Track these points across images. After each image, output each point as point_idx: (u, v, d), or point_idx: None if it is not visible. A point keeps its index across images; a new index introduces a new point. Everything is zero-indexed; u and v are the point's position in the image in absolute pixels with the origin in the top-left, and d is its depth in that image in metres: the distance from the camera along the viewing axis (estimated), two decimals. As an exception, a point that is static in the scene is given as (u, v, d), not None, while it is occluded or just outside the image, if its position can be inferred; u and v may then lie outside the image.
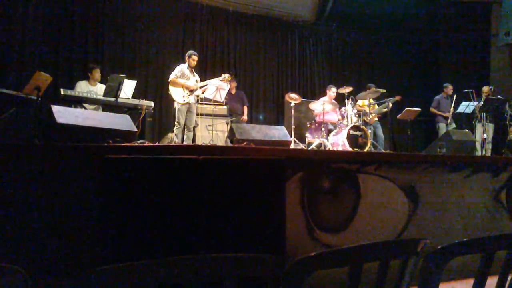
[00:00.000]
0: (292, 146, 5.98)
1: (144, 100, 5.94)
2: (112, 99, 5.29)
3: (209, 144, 5.71)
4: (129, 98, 5.63)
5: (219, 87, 6.09)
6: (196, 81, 6.21)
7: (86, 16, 7.18)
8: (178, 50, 8.04)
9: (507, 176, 3.64)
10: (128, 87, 5.56)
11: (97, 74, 6.12)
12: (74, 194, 2.24)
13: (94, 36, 7.24)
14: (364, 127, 6.69)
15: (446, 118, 7.74)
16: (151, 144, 3.22)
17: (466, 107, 7.30)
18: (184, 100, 6.01)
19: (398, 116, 7.44)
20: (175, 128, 6.06)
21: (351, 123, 6.67)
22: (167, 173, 2.19)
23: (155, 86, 7.75)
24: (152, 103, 6.10)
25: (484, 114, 7.12)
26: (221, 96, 6.22)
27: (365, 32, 10.00)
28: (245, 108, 7.59)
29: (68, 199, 2.22)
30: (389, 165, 3.15)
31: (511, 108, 7.02)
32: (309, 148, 6.43)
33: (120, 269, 0.83)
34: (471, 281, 1.17)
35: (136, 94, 5.85)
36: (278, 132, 4.38)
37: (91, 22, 7.22)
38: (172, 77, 6.07)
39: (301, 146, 6.78)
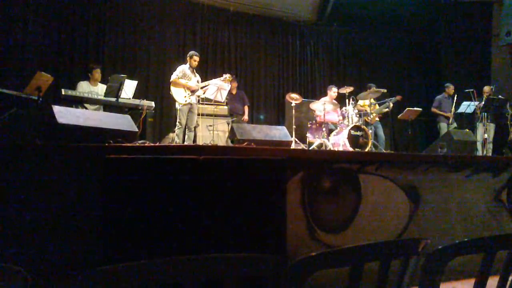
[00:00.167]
0: (293, 146, 5.98)
1: (145, 100, 5.94)
2: (113, 99, 5.29)
3: (210, 144, 5.71)
4: (130, 98, 5.64)
5: (220, 87, 6.09)
6: (198, 81, 6.21)
7: (87, 17, 7.19)
8: (179, 50, 8.04)
9: (508, 176, 3.63)
10: (129, 87, 5.57)
11: (97, 74, 6.13)
12: (75, 194, 2.24)
13: (95, 36, 7.25)
14: (365, 127, 6.68)
15: (447, 118, 7.73)
16: (152, 144, 3.22)
17: (467, 107, 7.29)
18: (185, 101, 6.02)
19: (399, 116, 7.44)
20: (176, 128, 6.07)
21: (352, 123, 6.67)
22: (168, 173, 2.19)
23: (156, 86, 7.76)
24: (153, 103, 6.10)
25: (485, 114, 7.11)
26: (222, 96, 6.22)
27: (366, 32, 9.99)
28: (246, 108, 7.59)
29: (69, 199, 2.23)
30: (390, 165, 3.15)
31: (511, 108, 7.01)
32: (310, 148, 6.43)
33: (120, 269, 0.83)
34: (472, 281, 1.17)
35: (137, 94, 5.85)
36: (279, 132, 4.38)
37: (92, 22, 7.23)
38: (173, 77, 6.07)
39: (302, 146, 6.77)
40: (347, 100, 7.04)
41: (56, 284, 2.07)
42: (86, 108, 5.50)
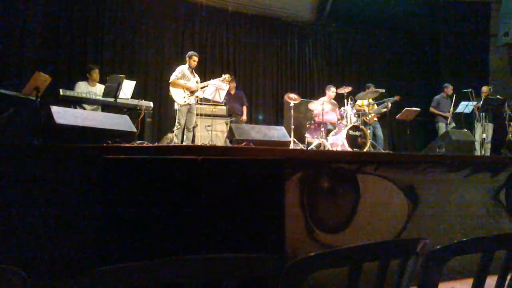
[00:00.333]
0: (291, 146, 5.98)
1: (143, 100, 5.93)
2: (112, 99, 5.29)
3: (208, 145, 5.71)
4: (128, 99, 5.63)
5: (218, 87, 6.09)
6: (197, 82, 6.21)
7: (85, 17, 7.18)
8: (177, 50, 8.04)
9: (506, 176, 3.64)
10: (128, 87, 5.56)
11: (96, 74, 6.12)
12: (73, 194, 2.23)
13: (93, 37, 7.24)
14: (363, 127, 6.69)
15: (445, 118, 7.74)
16: (150, 145, 3.22)
17: (465, 107, 7.31)
18: (184, 101, 6.02)
19: (397, 116, 7.45)
20: (175, 128, 6.06)
21: (351, 123, 6.68)
22: (167, 173, 2.19)
23: (154, 86, 7.75)
24: (151, 104, 6.10)
25: (484, 114, 7.13)
26: (221, 97, 6.22)
27: (365, 32, 10.01)
28: (245, 108, 7.59)
29: (67, 199, 2.22)
30: (389, 165, 3.15)
31: (510, 108, 7.02)
32: (309, 148, 6.43)
33: (119, 270, 0.83)
34: (470, 281, 1.17)
35: (135, 95, 5.85)
36: (278, 132, 4.38)
37: (90, 22, 7.22)
38: (172, 78, 6.07)
39: (300, 146, 6.78)
40: (345, 100, 7.04)
41: (55, 285, 2.06)
42: (84, 109, 5.49)
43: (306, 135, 6.99)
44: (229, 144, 5.95)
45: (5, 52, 6.38)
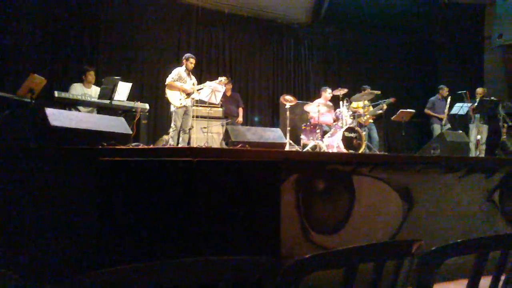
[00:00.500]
0: (287, 148, 5.98)
1: (139, 102, 5.93)
2: (107, 101, 5.27)
3: (204, 146, 5.71)
4: (124, 101, 5.62)
5: (214, 89, 6.08)
6: (193, 84, 6.20)
7: (80, 18, 7.15)
8: (173, 52, 8.03)
9: (501, 177, 3.66)
10: (123, 89, 5.55)
11: (91, 76, 6.10)
12: (69, 197, 2.22)
13: (89, 38, 7.22)
14: (358, 129, 6.71)
15: (440, 119, 7.78)
16: (146, 147, 3.22)
17: (460, 108, 7.35)
18: (180, 103, 6.00)
19: (392, 118, 7.47)
20: (171, 130, 6.05)
21: (346, 125, 6.69)
22: (162, 175, 2.18)
23: (150, 88, 7.73)
24: (147, 105, 6.09)
25: (478, 115, 7.16)
26: (216, 98, 6.22)
27: (360, 33, 10.04)
28: (241, 110, 7.59)
29: (63, 202, 2.21)
30: (384, 167, 3.16)
31: (504, 109, 7.06)
32: (304, 150, 6.44)
33: (114, 272, 0.83)
34: (465, 282, 1.18)
35: (131, 97, 5.84)
36: (273, 134, 4.39)
37: (85, 24, 7.20)
38: (169, 80, 6.05)
39: (296, 148, 6.78)
40: (341, 102, 7.06)
41: (51, 287, 2.05)
42: (79, 111, 5.47)
43: (302, 136, 7.01)
44: (225, 146, 5.95)
45: (0, 54, 6.34)
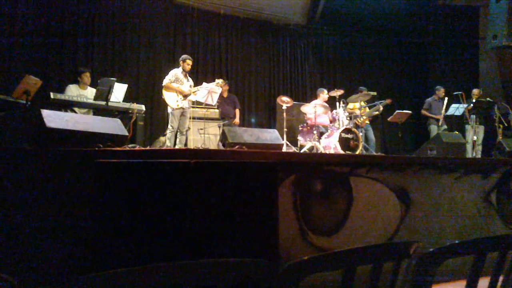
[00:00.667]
0: (284, 149, 5.99)
1: (135, 103, 5.91)
2: (103, 102, 5.25)
3: (201, 148, 5.70)
4: (120, 102, 5.60)
5: (210, 90, 6.08)
6: (190, 85, 6.19)
7: (76, 19, 7.13)
8: (169, 53, 8.02)
9: (497, 177, 3.68)
10: (119, 90, 5.54)
11: (87, 78, 6.08)
12: (65, 199, 2.21)
13: (84, 39, 7.19)
14: (355, 130, 6.72)
15: (437, 120, 7.81)
16: (143, 148, 3.21)
17: (456, 109, 7.38)
18: (177, 105, 5.99)
19: (389, 119, 7.50)
20: (168, 131, 6.04)
21: (343, 126, 6.70)
22: (159, 177, 2.17)
23: (146, 89, 7.71)
24: (143, 107, 6.07)
25: (474, 116, 7.20)
26: (213, 100, 6.21)
27: (356, 35, 10.07)
28: (237, 111, 7.59)
29: (58, 204, 2.20)
30: (381, 168, 3.17)
31: (499, 110, 7.10)
32: (301, 151, 6.44)
33: (111, 275, 0.82)
34: (463, 283, 1.18)
35: (127, 98, 5.82)
36: (270, 135, 4.38)
37: (81, 25, 7.17)
38: (165, 82, 6.04)
39: (293, 149, 6.79)
40: (337, 103, 7.07)
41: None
42: (75, 112, 5.45)
43: (299, 138, 7.01)
44: (221, 147, 5.94)
45: (-5, 55, 6.32)
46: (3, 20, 6.40)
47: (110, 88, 5.17)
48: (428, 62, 10.39)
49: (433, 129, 7.82)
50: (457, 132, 6.10)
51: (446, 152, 4.88)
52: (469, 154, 6.90)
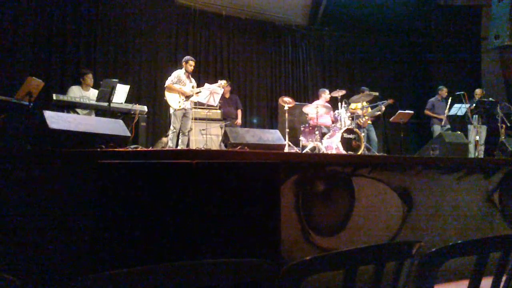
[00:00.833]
0: (286, 149, 5.98)
1: (137, 104, 5.92)
2: (105, 104, 5.26)
3: (203, 149, 5.70)
4: (122, 103, 5.61)
5: (212, 91, 6.08)
6: (193, 86, 6.20)
7: (78, 21, 7.14)
8: (171, 55, 8.03)
9: (500, 177, 3.67)
10: (121, 91, 5.54)
11: (89, 79, 6.10)
12: (67, 200, 2.22)
13: (87, 41, 7.21)
14: (357, 130, 6.72)
15: (441, 120, 7.79)
16: (145, 149, 3.21)
17: (458, 109, 7.36)
18: (179, 106, 6.00)
19: (391, 119, 7.48)
20: (170, 132, 6.05)
21: (345, 126, 6.70)
22: (161, 178, 2.18)
23: (148, 90, 7.72)
24: (145, 108, 6.08)
25: (477, 116, 7.18)
26: (215, 100, 6.22)
27: (357, 35, 10.07)
28: (239, 112, 7.59)
29: (61, 205, 2.20)
30: (383, 168, 3.16)
31: (502, 110, 7.08)
32: (303, 152, 6.44)
33: (113, 276, 0.82)
34: (465, 283, 1.18)
35: (129, 99, 5.83)
36: (272, 136, 4.38)
37: (83, 26, 7.19)
38: (168, 83, 6.05)
39: (295, 149, 6.78)
40: (339, 103, 7.07)
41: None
42: (77, 113, 5.47)
43: (301, 138, 7.01)
44: (224, 148, 5.94)
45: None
46: (6, 22, 6.42)
47: (113, 89, 5.18)
48: (430, 62, 10.36)
49: (437, 129, 7.81)
50: (459, 132, 6.08)
51: (449, 152, 4.87)
52: (472, 154, 6.88)
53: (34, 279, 2.05)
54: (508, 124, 6.88)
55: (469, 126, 7.51)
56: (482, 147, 7.44)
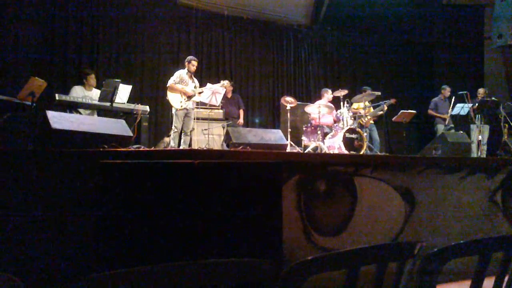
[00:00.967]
0: (288, 149, 5.98)
1: (139, 104, 5.93)
2: (108, 104, 5.27)
3: (205, 148, 5.70)
4: (124, 103, 5.62)
5: (214, 91, 6.08)
6: (195, 86, 6.19)
7: (80, 21, 7.16)
8: (174, 55, 8.04)
9: (502, 177, 3.65)
10: (124, 91, 5.55)
11: (92, 80, 6.11)
12: (69, 199, 2.22)
13: (89, 41, 7.22)
14: (359, 130, 6.70)
15: (444, 120, 7.77)
16: (147, 149, 3.21)
17: (461, 109, 7.34)
18: (181, 106, 6.00)
19: (393, 119, 7.47)
20: (172, 132, 6.05)
21: (347, 126, 6.69)
22: (163, 178, 2.18)
23: (150, 90, 7.73)
24: (147, 108, 6.09)
25: (479, 115, 7.16)
26: (217, 100, 6.22)
27: (360, 35, 10.05)
28: (241, 112, 7.59)
29: (63, 204, 2.21)
30: (385, 168, 3.16)
31: (505, 110, 7.06)
32: (305, 151, 6.43)
33: (115, 275, 0.82)
34: (468, 283, 1.17)
35: (131, 99, 5.83)
36: (274, 136, 4.38)
37: (85, 26, 7.20)
38: (170, 82, 6.05)
39: (297, 149, 6.77)
40: (341, 103, 7.06)
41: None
42: (80, 113, 5.48)
43: (303, 138, 7.00)
44: (226, 148, 5.95)
45: (0, 57, 6.35)
46: (8, 23, 6.44)
47: (115, 89, 5.19)
48: (433, 62, 10.34)
49: (440, 129, 7.78)
50: (462, 132, 6.07)
51: (451, 152, 4.86)
52: (474, 154, 6.86)
53: (36, 279, 2.05)
54: (511, 124, 6.86)
55: (472, 126, 7.48)
56: (485, 147, 7.42)
